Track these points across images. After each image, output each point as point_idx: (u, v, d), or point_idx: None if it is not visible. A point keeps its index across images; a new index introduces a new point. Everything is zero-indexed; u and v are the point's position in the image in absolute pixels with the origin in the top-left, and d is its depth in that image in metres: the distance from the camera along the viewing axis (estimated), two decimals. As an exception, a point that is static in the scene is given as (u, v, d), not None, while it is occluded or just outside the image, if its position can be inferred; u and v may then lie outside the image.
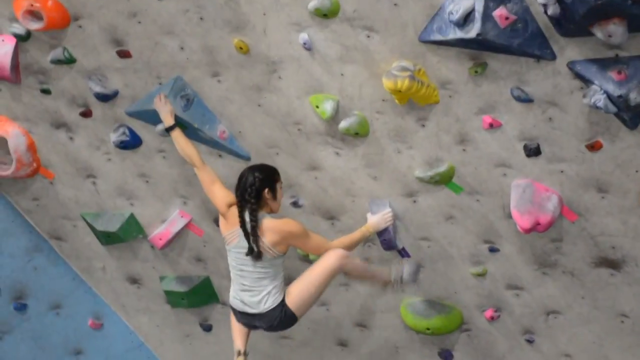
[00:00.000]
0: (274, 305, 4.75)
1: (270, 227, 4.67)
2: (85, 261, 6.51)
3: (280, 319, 4.80)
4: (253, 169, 4.75)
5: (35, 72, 5.44)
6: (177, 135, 5.12)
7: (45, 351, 6.84)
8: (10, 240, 6.43)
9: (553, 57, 4.28)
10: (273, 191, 4.74)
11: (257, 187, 4.68)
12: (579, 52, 4.21)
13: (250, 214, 4.66)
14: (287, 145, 5.27)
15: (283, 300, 4.77)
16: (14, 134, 5.73)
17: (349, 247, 4.95)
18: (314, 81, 4.91)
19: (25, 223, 6.38)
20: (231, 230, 4.79)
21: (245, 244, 4.70)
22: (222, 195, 4.94)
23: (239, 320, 4.98)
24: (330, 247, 4.84)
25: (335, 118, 4.98)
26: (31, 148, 5.83)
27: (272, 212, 4.78)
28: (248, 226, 4.68)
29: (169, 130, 5.13)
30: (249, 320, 4.90)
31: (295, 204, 5.51)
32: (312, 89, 4.95)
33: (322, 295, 5.90)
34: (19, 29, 5.24)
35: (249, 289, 4.80)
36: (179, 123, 5.16)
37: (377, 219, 5.17)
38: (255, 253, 4.67)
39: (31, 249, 6.50)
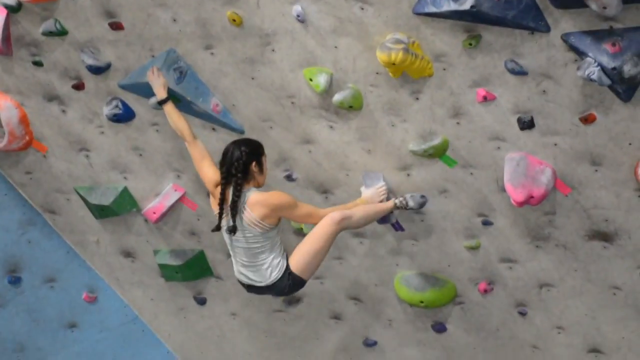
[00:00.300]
0: (280, 276, 4.78)
1: (259, 200, 4.66)
2: (79, 235, 6.51)
3: (288, 286, 4.84)
4: (238, 143, 4.74)
5: (27, 44, 5.41)
6: (170, 108, 5.10)
7: (39, 324, 6.86)
8: (3, 214, 6.42)
9: (547, 29, 4.26)
10: (260, 164, 4.75)
11: (245, 161, 4.67)
12: (573, 24, 4.19)
13: (235, 188, 4.65)
14: (280, 118, 5.25)
15: (288, 268, 4.79)
16: (6, 107, 5.71)
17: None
18: (308, 54, 4.88)
19: (18, 196, 6.37)
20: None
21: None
22: (211, 173, 4.93)
23: (248, 291, 5.00)
24: (321, 215, 4.84)
25: (329, 91, 4.96)
26: (23, 121, 5.80)
27: (259, 185, 4.78)
28: (229, 202, 4.68)
29: (161, 103, 5.11)
30: (259, 291, 4.93)
31: (289, 178, 5.50)
32: (305, 61, 4.93)
33: (316, 270, 5.97)
34: (10, 0, 5.19)
35: (249, 264, 4.82)
36: (172, 96, 5.14)
37: (370, 192, 5.17)
38: (233, 227, 4.68)
39: (25, 222, 6.49)
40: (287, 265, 4.80)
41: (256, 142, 4.81)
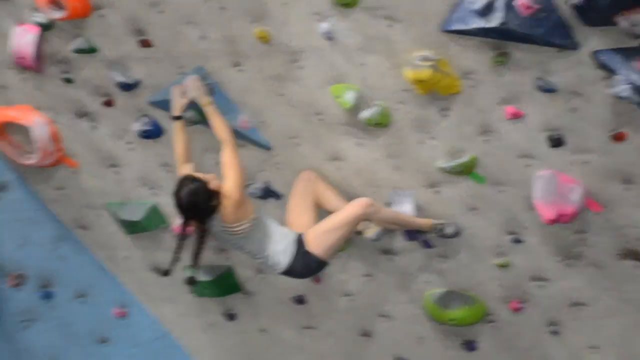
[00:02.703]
0: (291, 259, 4.87)
1: (228, 206, 4.70)
2: (110, 250, 6.55)
3: (307, 266, 4.92)
4: (189, 195, 4.65)
5: (58, 61, 5.47)
6: (178, 126, 5.08)
7: (71, 339, 6.90)
8: (35, 229, 6.49)
9: (576, 46, 4.21)
10: (213, 197, 4.69)
11: (208, 207, 4.68)
12: (603, 41, 4.15)
13: (200, 236, 4.77)
14: (308, 135, 5.25)
15: (299, 247, 4.86)
16: (38, 123, 5.77)
17: (224, 124, 4.92)
18: (335, 71, 4.87)
19: (50, 212, 6.43)
20: None
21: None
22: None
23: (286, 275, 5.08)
24: (229, 148, 4.81)
25: (356, 108, 4.94)
26: (55, 137, 5.86)
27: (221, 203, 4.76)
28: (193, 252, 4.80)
29: (173, 119, 5.11)
30: (288, 276, 5.02)
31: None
32: (333, 79, 4.92)
33: (346, 286, 5.95)
34: (42, 18, 5.27)
35: (262, 259, 4.93)
36: (200, 113, 5.15)
37: (194, 94, 5.04)
38: (190, 280, 4.92)
39: (57, 238, 6.55)
40: (298, 244, 4.87)
41: (200, 181, 4.68)
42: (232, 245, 4.95)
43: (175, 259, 4.81)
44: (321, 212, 5.21)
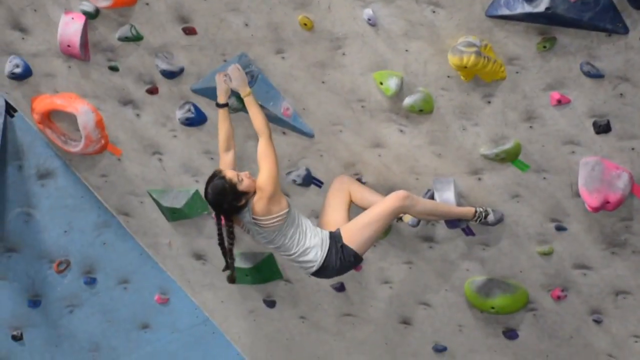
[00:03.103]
0: (325, 254, 4.84)
1: (261, 199, 4.72)
2: (152, 237, 6.62)
3: (340, 259, 4.87)
4: (215, 193, 4.74)
5: (103, 49, 5.53)
6: (222, 114, 5.12)
7: (113, 325, 6.99)
8: (80, 216, 6.57)
9: (626, 30, 4.16)
10: (242, 195, 4.74)
11: (233, 206, 4.74)
12: (653, 25, 4.10)
13: (229, 225, 4.83)
14: (350, 122, 5.25)
15: (335, 241, 4.84)
16: (83, 111, 5.84)
17: (263, 117, 4.93)
18: (378, 57, 4.87)
19: (94, 199, 6.51)
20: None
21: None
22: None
23: (316, 276, 5.03)
24: (264, 140, 4.86)
25: (399, 95, 4.94)
26: (99, 125, 5.93)
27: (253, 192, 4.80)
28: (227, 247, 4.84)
29: (218, 105, 5.15)
30: (320, 275, 4.98)
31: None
32: (376, 65, 4.92)
33: (386, 274, 5.95)
34: (88, 7, 5.31)
35: (294, 256, 4.89)
36: (240, 101, 5.17)
37: (236, 83, 5.04)
38: (231, 275, 4.90)
39: (100, 224, 6.63)
40: (333, 239, 4.85)
41: (229, 180, 4.73)
42: (262, 239, 4.92)
43: (225, 252, 4.88)
44: (356, 210, 5.23)
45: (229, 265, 4.87)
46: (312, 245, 4.86)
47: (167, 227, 6.47)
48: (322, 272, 4.97)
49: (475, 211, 5.16)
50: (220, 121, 5.11)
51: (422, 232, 5.61)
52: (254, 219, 4.75)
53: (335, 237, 4.89)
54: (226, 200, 4.71)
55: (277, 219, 4.77)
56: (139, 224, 6.57)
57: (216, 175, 4.78)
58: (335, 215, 5.13)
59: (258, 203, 4.72)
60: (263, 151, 4.81)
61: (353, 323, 6.49)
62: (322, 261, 4.87)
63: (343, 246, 4.84)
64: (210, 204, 4.81)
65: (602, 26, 4.15)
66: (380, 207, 4.89)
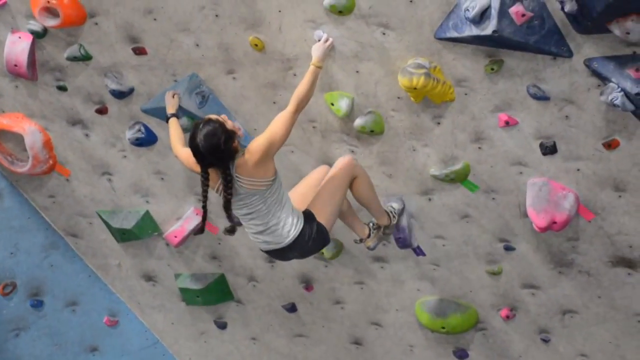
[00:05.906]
0: (298, 232, 4.57)
1: (245, 162, 4.40)
2: (101, 258, 6.53)
3: (312, 238, 4.61)
4: (207, 137, 4.30)
5: (51, 69, 5.46)
6: (173, 122, 5.05)
7: (61, 348, 6.87)
8: (26, 237, 6.46)
9: (570, 54, 4.25)
10: (233, 139, 4.40)
11: (226, 150, 4.34)
12: (596, 49, 4.18)
13: (225, 180, 4.40)
14: (302, 142, 5.26)
15: (307, 217, 4.62)
16: (31, 131, 5.76)
17: (308, 91, 4.50)
18: (329, 78, 4.90)
19: (41, 220, 6.41)
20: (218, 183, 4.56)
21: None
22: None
23: (274, 257, 4.80)
24: (289, 110, 4.46)
25: (350, 115, 4.97)
26: (47, 145, 5.85)
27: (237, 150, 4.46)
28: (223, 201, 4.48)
29: (168, 117, 5.08)
30: (282, 255, 4.71)
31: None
32: (327, 86, 4.94)
33: (337, 294, 5.95)
34: (36, 26, 5.26)
35: (264, 228, 4.59)
36: (191, 118, 5.14)
37: (317, 49, 4.69)
38: (231, 228, 4.59)
39: (47, 246, 6.52)
40: (306, 216, 4.63)
41: (217, 121, 4.34)
42: (238, 200, 4.54)
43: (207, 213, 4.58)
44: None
45: (230, 217, 4.55)
46: (288, 220, 4.56)
47: (116, 248, 6.39)
48: (288, 250, 4.68)
49: (388, 214, 5.08)
50: (173, 127, 5.01)
51: (374, 252, 5.62)
52: (237, 176, 4.42)
53: (309, 216, 4.65)
54: (221, 141, 4.29)
55: (259, 183, 4.46)
56: (87, 245, 6.48)
57: (200, 124, 4.35)
58: (302, 197, 4.86)
59: (245, 164, 4.40)
60: (278, 118, 4.45)
61: (305, 344, 6.46)
62: (294, 237, 4.58)
63: (318, 224, 4.63)
64: (205, 151, 4.31)
65: (547, 49, 4.24)
66: (337, 176, 4.68)
